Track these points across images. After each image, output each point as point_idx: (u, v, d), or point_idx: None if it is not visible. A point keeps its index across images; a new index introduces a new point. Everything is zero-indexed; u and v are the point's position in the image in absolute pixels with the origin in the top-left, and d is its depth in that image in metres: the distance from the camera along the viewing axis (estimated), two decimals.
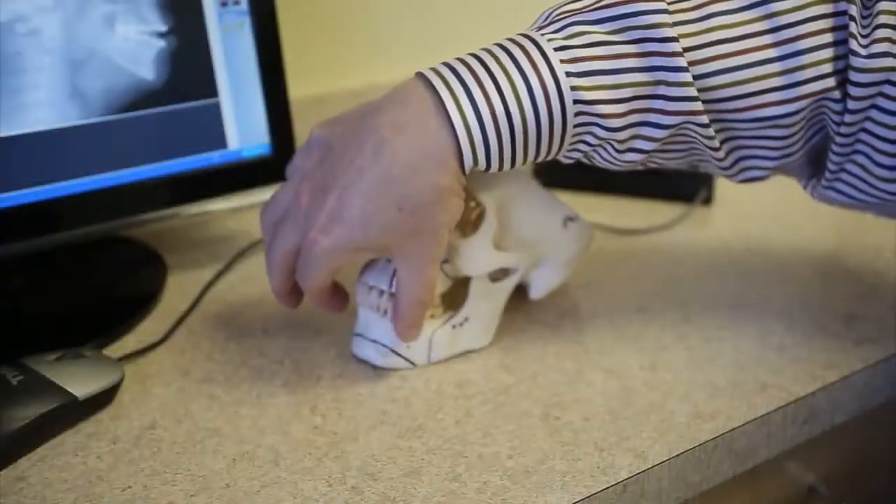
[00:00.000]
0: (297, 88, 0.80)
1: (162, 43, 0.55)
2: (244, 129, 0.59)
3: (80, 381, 0.46)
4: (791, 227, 0.68)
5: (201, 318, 0.57)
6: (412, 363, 0.50)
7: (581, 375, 0.50)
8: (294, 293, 0.48)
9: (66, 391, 0.45)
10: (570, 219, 0.54)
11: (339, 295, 0.49)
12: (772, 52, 0.41)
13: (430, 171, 0.42)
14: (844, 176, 0.45)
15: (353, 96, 0.82)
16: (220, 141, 0.59)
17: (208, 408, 0.48)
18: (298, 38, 0.79)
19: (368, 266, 0.50)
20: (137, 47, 0.54)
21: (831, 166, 0.45)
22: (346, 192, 0.42)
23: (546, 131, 0.42)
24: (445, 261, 0.49)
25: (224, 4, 0.57)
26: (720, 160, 0.45)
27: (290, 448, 0.44)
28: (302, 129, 0.80)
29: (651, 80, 0.41)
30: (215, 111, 0.58)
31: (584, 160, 0.46)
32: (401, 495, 0.41)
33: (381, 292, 0.48)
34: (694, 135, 0.43)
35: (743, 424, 0.46)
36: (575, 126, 0.42)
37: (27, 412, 0.44)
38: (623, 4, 0.41)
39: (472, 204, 0.50)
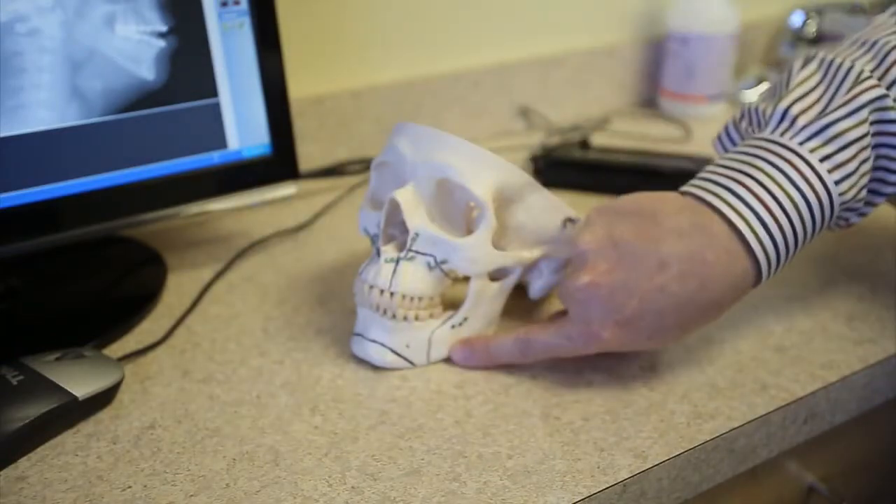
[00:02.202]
0: (297, 88, 0.80)
1: (162, 43, 0.55)
2: (244, 129, 0.59)
3: (80, 381, 0.46)
4: None
5: (201, 318, 0.57)
6: (412, 363, 0.50)
7: (581, 375, 0.50)
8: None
9: (66, 391, 0.45)
10: (569, 219, 0.53)
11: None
12: None
13: (727, 304, 0.46)
14: None
15: (353, 96, 0.82)
16: (220, 141, 0.59)
17: (208, 408, 0.48)
18: (298, 38, 0.79)
19: (367, 264, 0.50)
20: (137, 47, 0.54)
21: None
22: (643, 305, 0.44)
23: (812, 234, 0.46)
24: (445, 261, 0.49)
25: (224, 4, 0.57)
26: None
27: (290, 448, 0.44)
28: (302, 129, 0.80)
29: (874, 155, 0.47)
30: (215, 111, 0.58)
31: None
32: (401, 495, 0.41)
33: (382, 291, 0.48)
34: None
35: (743, 424, 0.46)
36: (832, 219, 0.47)
37: (27, 412, 0.44)
38: (863, 94, 0.46)
39: (472, 204, 0.50)
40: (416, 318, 0.49)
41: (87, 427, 0.46)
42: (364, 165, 0.81)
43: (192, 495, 0.41)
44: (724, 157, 0.48)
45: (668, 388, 0.48)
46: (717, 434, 0.45)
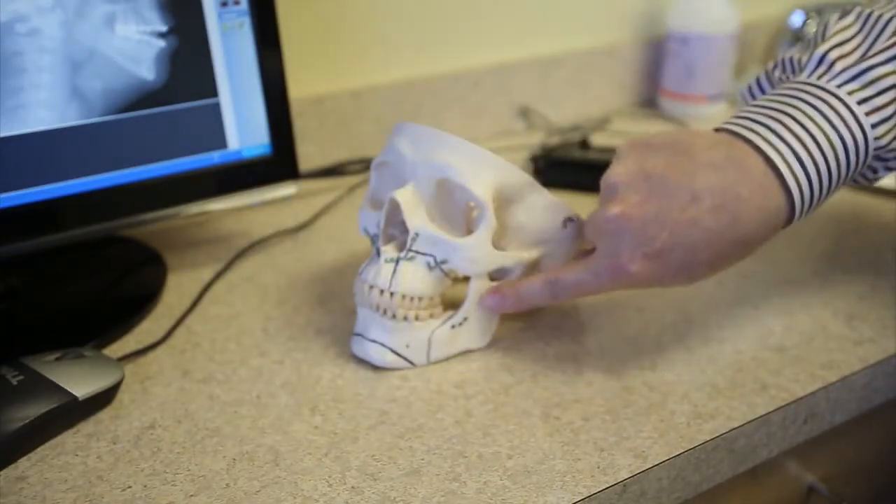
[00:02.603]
0: (297, 88, 0.80)
1: (162, 43, 0.55)
2: (244, 129, 0.59)
3: (80, 381, 0.46)
4: (791, 227, 0.68)
5: (201, 318, 0.57)
6: (411, 363, 0.50)
7: (581, 375, 0.50)
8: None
9: (66, 391, 0.45)
10: (569, 219, 0.53)
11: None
12: None
13: (766, 238, 0.45)
14: None
15: (353, 96, 0.82)
16: (220, 141, 0.59)
17: (208, 408, 0.48)
18: (298, 38, 0.79)
19: (367, 264, 0.50)
20: (137, 47, 0.54)
21: None
22: (673, 238, 0.43)
23: (845, 177, 0.46)
24: (444, 261, 0.49)
25: (224, 4, 0.57)
26: None
27: (290, 448, 0.44)
28: (302, 129, 0.80)
29: None
30: (215, 111, 0.58)
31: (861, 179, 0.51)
32: (401, 495, 0.41)
33: (381, 291, 0.48)
34: None
35: (743, 424, 0.46)
36: (864, 164, 0.46)
37: (27, 412, 0.44)
38: None
39: (472, 204, 0.50)
40: (416, 318, 0.49)
41: (87, 427, 0.46)
42: (364, 165, 0.81)
43: (192, 495, 0.41)
44: (762, 99, 0.48)
45: (668, 388, 0.48)
46: (717, 434, 0.45)
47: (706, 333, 0.53)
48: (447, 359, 0.51)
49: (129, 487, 0.42)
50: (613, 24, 0.98)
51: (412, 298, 0.49)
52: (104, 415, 0.47)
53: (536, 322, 0.55)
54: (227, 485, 0.42)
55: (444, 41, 0.88)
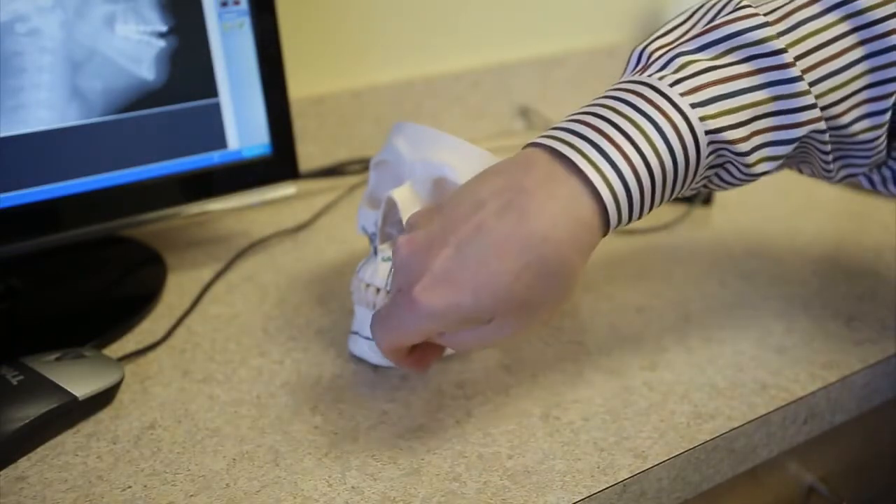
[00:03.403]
0: (297, 88, 0.80)
1: (162, 43, 0.55)
2: (244, 129, 0.59)
3: (80, 381, 0.46)
4: (791, 227, 0.68)
5: (201, 318, 0.57)
6: None
7: (581, 375, 0.50)
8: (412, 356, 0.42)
9: (66, 391, 0.45)
10: None
11: (425, 350, 0.43)
12: (862, 51, 0.41)
13: (561, 240, 0.37)
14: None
15: (353, 96, 0.82)
16: (220, 141, 0.59)
17: (208, 408, 0.48)
18: (298, 38, 0.79)
19: (365, 263, 0.50)
20: (137, 47, 0.54)
21: (894, 153, 0.46)
22: (459, 252, 0.37)
23: (682, 171, 0.40)
24: None
25: (224, 4, 0.57)
26: (827, 163, 0.44)
27: (290, 448, 0.44)
28: (302, 129, 0.80)
29: (768, 96, 0.40)
30: (215, 111, 0.58)
31: (703, 188, 0.45)
32: (401, 495, 0.41)
33: (378, 290, 0.48)
34: (812, 143, 0.43)
35: (743, 424, 0.46)
36: (707, 157, 0.40)
37: (27, 412, 0.44)
38: (722, 27, 0.40)
39: None
40: None
41: (87, 427, 0.46)
42: (364, 165, 0.81)
43: (192, 495, 0.41)
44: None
45: (668, 388, 0.48)
46: (717, 434, 0.45)
47: (706, 333, 0.53)
48: (444, 358, 0.51)
49: (129, 487, 0.42)
50: (613, 24, 0.98)
51: None
52: (104, 415, 0.47)
53: None
54: (227, 485, 0.42)
55: (444, 41, 0.88)
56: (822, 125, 0.41)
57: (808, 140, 0.42)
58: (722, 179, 0.44)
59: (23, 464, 0.43)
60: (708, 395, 0.48)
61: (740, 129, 0.40)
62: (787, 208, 0.71)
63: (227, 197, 0.61)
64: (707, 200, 0.72)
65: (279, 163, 0.61)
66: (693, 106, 0.39)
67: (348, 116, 0.82)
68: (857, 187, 0.74)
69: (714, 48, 0.41)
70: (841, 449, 0.58)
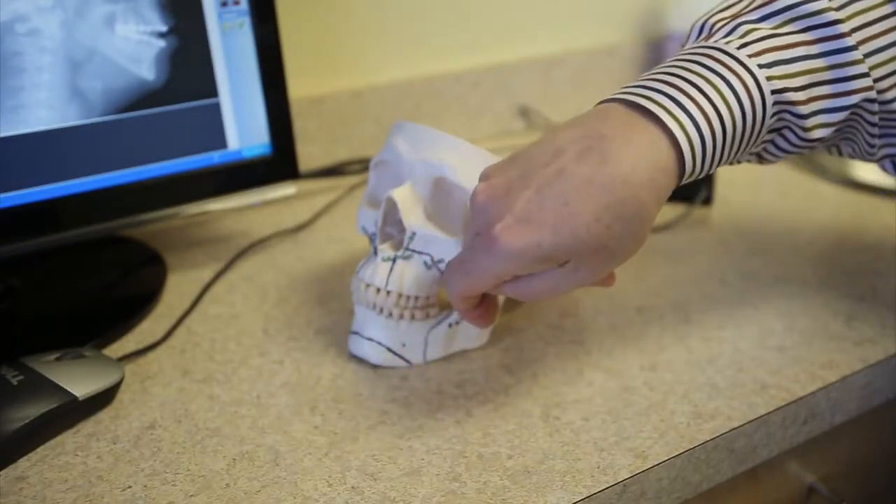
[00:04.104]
0: (297, 88, 0.80)
1: (162, 43, 0.55)
2: (244, 129, 0.59)
3: (80, 381, 0.46)
4: (791, 227, 0.68)
5: (201, 318, 0.57)
6: (408, 361, 0.50)
7: (581, 375, 0.50)
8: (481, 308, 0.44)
9: (66, 391, 0.45)
10: None
11: (488, 304, 0.45)
12: None
13: (640, 184, 0.39)
14: None
15: (354, 96, 0.82)
16: (220, 141, 0.59)
17: (208, 408, 0.48)
18: (298, 38, 0.79)
19: (365, 263, 0.50)
20: (137, 47, 0.54)
21: None
22: (540, 194, 0.38)
23: (749, 128, 0.42)
24: (441, 260, 0.49)
25: (224, 4, 0.57)
26: (873, 136, 0.46)
27: (290, 448, 0.44)
28: (302, 129, 0.80)
29: (825, 65, 0.43)
30: (215, 111, 0.58)
31: (756, 158, 0.47)
32: (401, 495, 0.41)
33: (378, 290, 0.48)
34: (863, 114, 0.44)
35: (743, 424, 0.46)
36: (771, 117, 0.42)
37: (27, 412, 0.44)
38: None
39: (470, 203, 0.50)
40: (413, 317, 0.49)
41: (87, 427, 0.46)
42: (364, 165, 0.81)
43: (192, 495, 0.41)
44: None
45: (668, 388, 0.48)
46: (717, 434, 0.45)
47: (706, 333, 0.53)
48: (444, 358, 0.51)
49: (129, 487, 0.42)
50: (613, 24, 0.98)
51: (409, 297, 0.49)
52: (104, 415, 0.47)
53: (536, 322, 0.55)
54: (227, 485, 0.42)
55: (444, 41, 0.88)
56: (873, 94, 0.43)
57: (859, 110, 0.44)
58: (777, 147, 0.46)
59: (23, 464, 0.43)
60: (708, 395, 0.48)
61: (801, 93, 0.42)
62: (788, 208, 0.71)
63: (227, 197, 0.61)
64: (707, 200, 0.72)
65: (279, 163, 0.61)
66: (761, 66, 0.42)
67: (348, 116, 0.82)
68: (857, 187, 0.74)
69: (774, 18, 0.43)
70: (841, 449, 0.58)
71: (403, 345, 0.50)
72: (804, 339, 0.53)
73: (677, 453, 0.43)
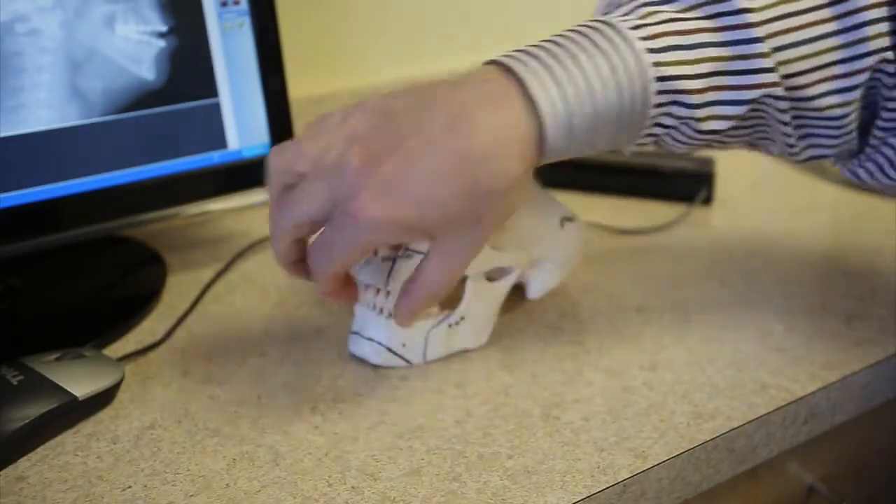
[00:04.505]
0: (297, 88, 0.80)
1: (162, 43, 0.55)
2: (244, 129, 0.59)
3: (80, 381, 0.46)
4: (791, 227, 0.68)
5: (201, 318, 0.57)
6: (408, 362, 0.50)
7: (581, 375, 0.50)
8: (305, 263, 0.43)
9: (66, 391, 0.45)
10: (567, 219, 0.54)
11: (352, 284, 0.45)
12: (834, 25, 0.41)
13: (507, 156, 0.38)
14: (881, 154, 0.45)
15: (354, 96, 0.82)
16: (220, 141, 0.59)
17: (208, 408, 0.48)
18: (298, 38, 0.79)
19: (364, 264, 0.50)
20: (137, 47, 0.54)
21: (873, 141, 0.44)
22: (406, 164, 0.37)
23: (628, 111, 0.40)
24: None
25: (224, 4, 0.57)
26: (788, 136, 0.44)
27: (290, 448, 0.44)
28: (302, 129, 0.80)
29: (728, 54, 0.41)
30: (215, 111, 0.58)
31: (655, 145, 0.44)
32: (401, 495, 0.41)
33: (378, 290, 0.48)
34: (767, 109, 0.42)
35: (743, 424, 0.46)
36: (656, 105, 0.41)
37: (27, 412, 0.44)
38: None
39: None
40: None
41: (87, 427, 0.46)
42: None
43: (192, 495, 0.41)
44: None
45: (668, 388, 0.48)
46: (717, 434, 0.45)
47: (706, 333, 0.53)
48: (444, 358, 0.51)
49: (129, 487, 0.42)
50: None
51: None
52: (104, 415, 0.47)
53: (536, 322, 0.55)
54: (227, 485, 0.42)
55: (444, 41, 0.88)
56: (778, 91, 0.41)
57: (764, 106, 0.42)
58: (675, 140, 0.43)
59: (23, 464, 0.43)
60: (708, 395, 0.48)
61: (696, 81, 0.40)
62: (788, 208, 0.71)
63: (227, 197, 0.61)
64: (707, 200, 0.72)
65: None
66: (649, 50, 0.40)
67: None
68: (858, 187, 0.74)
69: (681, 2, 0.41)
70: (841, 449, 0.58)
71: (403, 345, 0.50)
72: (804, 339, 0.53)
73: (677, 453, 0.43)
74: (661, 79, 0.40)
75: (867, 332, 0.53)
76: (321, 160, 0.39)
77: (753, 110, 0.43)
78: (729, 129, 0.43)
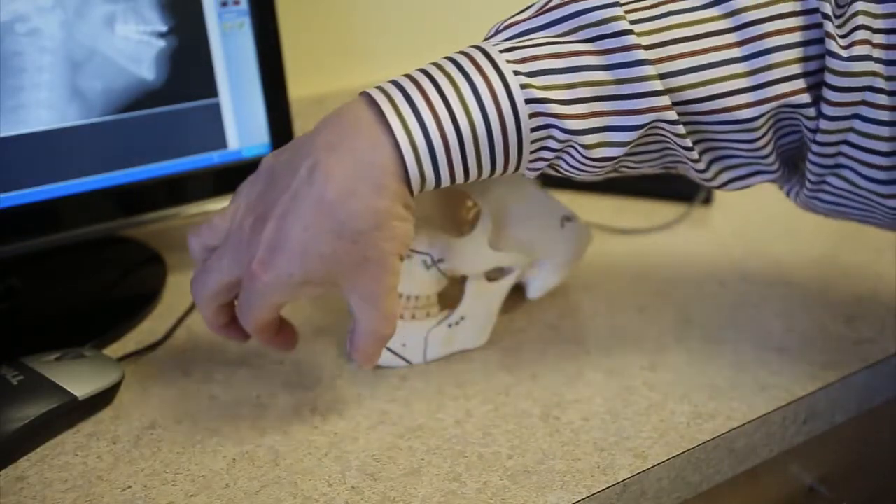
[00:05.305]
0: (297, 88, 0.80)
1: (162, 43, 0.55)
2: (244, 129, 0.59)
3: (80, 381, 0.46)
4: (791, 227, 0.68)
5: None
6: (408, 361, 0.50)
7: (581, 375, 0.50)
8: (236, 325, 0.45)
9: (66, 391, 0.45)
10: (567, 219, 0.54)
11: (286, 332, 0.46)
12: (736, 52, 0.39)
13: (366, 192, 0.38)
14: (828, 188, 0.43)
15: (353, 96, 0.82)
16: (220, 141, 0.59)
17: (208, 408, 0.48)
18: (298, 38, 0.79)
19: None
20: (137, 47, 0.54)
21: (812, 177, 0.42)
22: (283, 220, 0.39)
23: (499, 137, 0.39)
24: (441, 259, 0.49)
25: (224, 4, 0.57)
26: (695, 161, 0.42)
27: (290, 448, 0.44)
28: (302, 129, 0.80)
29: (611, 78, 0.39)
30: (215, 111, 0.58)
31: (552, 171, 0.43)
32: (401, 495, 0.41)
33: None
34: (665, 134, 0.40)
35: (743, 424, 0.46)
36: (533, 130, 0.39)
37: (27, 412, 0.44)
38: (568, 4, 0.39)
39: (469, 203, 0.50)
40: (413, 317, 0.49)
41: (87, 427, 0.46)
42: None
43: (192, 495, 0.41)
44: None
45: (668, 388, 0.48)
46: (717, 434, 0.45)
47: (706, 333, 0.53)
48: (444, 358, 0.51)
49: (129, 487, 0.42)
50: None
51: (408, 297, 0.49)
52: (104, 415, 0.47)
53: (536, 322, 0.55)
54: (227, 485, 0.42)
55: (445, 41, 0.88)
56: (670, 115, 0.39)
57: (659, 130, 0.40)
58: (569, 164, 0.41)
59: (23, 464, 0.43)
60: (708, 395, 0.48)
61: (575, 106, 0.39)
62: (788, 208, 0.71)
63: (227, 197, 0.60)
64: (707, 200, 0.73)
65: None
66: (517, 73, 0.38)
67: None
68: None
69: (559, 25, 0.40)
70: (841, 449, 0.58)
71: (403, 345, 0.50)
72: (804, 340, 0.53)
73: (677, 453, 0.43)
74: (532, 101, 0.38)
75: (867, 332, 0.53)
76: (224, 232, 0.42)
77: (650, 135, 0.41)
78: (624, 155, 0.42)
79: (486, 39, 0.42)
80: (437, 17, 0.86)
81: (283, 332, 0.45)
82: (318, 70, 0.81)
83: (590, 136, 0.39)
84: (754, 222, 0.69)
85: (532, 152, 0.40)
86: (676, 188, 0.73)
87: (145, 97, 0.55)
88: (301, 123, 0.80)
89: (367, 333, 0.42)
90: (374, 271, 0.40)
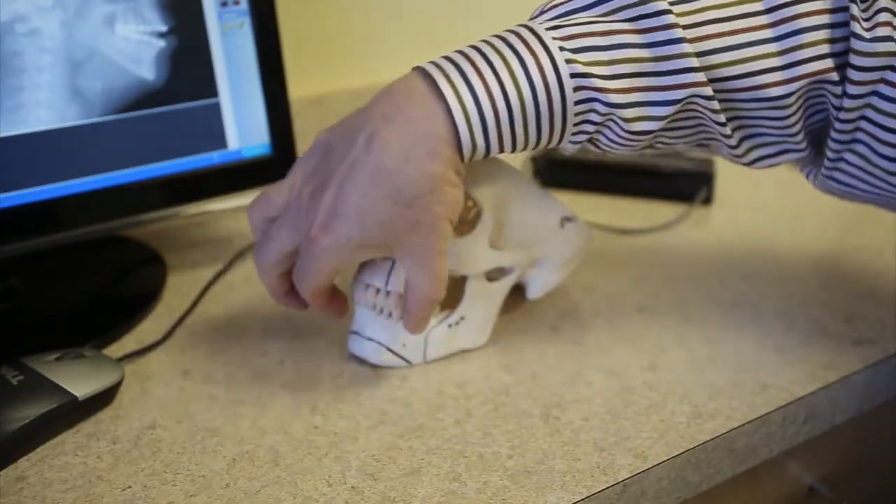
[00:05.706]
0: (297, 88, 0.80)
1: (162, 43, 0.55)
2: (244, 129, 0.59)
3: (80, 381, 0.46)
4: (791, 227, 0.68)
5: (201, 318, 0.57)
6: (408, 361, 0.50)
7: (581, 375, 0.50)
8: (294, 293, 0.47)
9: (66, 391, 0.45)
10: (567, 219, 0.53)
11: (339, 299, 0.48)
12: (768, 32, 0.41)
13: (421, 159, 0.41)
14: (844, 165, 0.45)
15: (354, 96, 0.82)
16: (220, 141, 0.59)
17: (208, 408, 0.48)
18: (298, 38, 0.79)
19: (365, 264, 0.50)
20: (137, 47, 0.54)
21: (830, 154, 0.45)
22: (341, 188, 0.42)
23: (546, 109, 0.41)
24: None
25: (224, 4, 0.57)
26: (728, 137, 0.44)
27: (290, 448, 0.44)
28: (302, 129, 0.80)
29: (650, 55, 0.41)
30: (215, 111, 0.58)
31: (591, 146, 0.45)
32: (401, 495, 0.41)
33: (378, 290, 0.48)
34: (701, 110, 0.43)
35: (743, 424, 0.46)
36: (576, 103, 0.42)
37: (27, 412, 0.44)
38: None
39: (469, 203, 0.50)
40: None
41: (87, 427, 0.46)
42: None
43: (192, 495, 0.41)
44: None
45: (668, 388, 0.48)
46: (717, 434, 0.45)
47: (706, 333, 0.53)
48: (444, 358, 0.51)
49: (129, 487, 0.42)
50: None
51: None
52: (104, 415, 0.47)
53: (536, 322, 0.55)
54: (227, 485, 0.42)
55: (445, 41, 0.88)
56: (706, 91, 0.41)
57: (694, 106, 0.42)
58: (608, 139, 0.44)
59: (23, 464, 0.43)
60: (708, 395, 0.48)
61: (616, 81, 0.41)
62: (788, 208, 0.71)
63: (227, 197, 0.61)
64: (707, 200, 0.73)
65: (279, 163, 0.61)
66: (562, 49, 0.41)
67: None
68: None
69: (601, 6, 0.43)
70: (841, 449, 0.58)
71: (403, 345, 0.50)
72: (804, 339, 0.53)
73: (677, 453, 0.43)
74: (576, 76, 0.41)
75: (867, 332, 0.53)
76: (283, 204, 0.45)
77: (686, 111, 0.43)
78: (661, 129, 0.44)
79: (530, 20, 0.44)
80: (438, 17, 0.86)
81: (336, 299, 0.48)
82: (318, 70, 0.81)
83: (630, 109, 0.42)
84: (754, 222, 0.69)
85: (575, 125, 0.43)
86: (676, 188, 0.73)
87: (145, 97, 0.55)
88: (301, 123, 0.80)
89: (419, 296, 0.44)
90: (427, 234, 0.42)
